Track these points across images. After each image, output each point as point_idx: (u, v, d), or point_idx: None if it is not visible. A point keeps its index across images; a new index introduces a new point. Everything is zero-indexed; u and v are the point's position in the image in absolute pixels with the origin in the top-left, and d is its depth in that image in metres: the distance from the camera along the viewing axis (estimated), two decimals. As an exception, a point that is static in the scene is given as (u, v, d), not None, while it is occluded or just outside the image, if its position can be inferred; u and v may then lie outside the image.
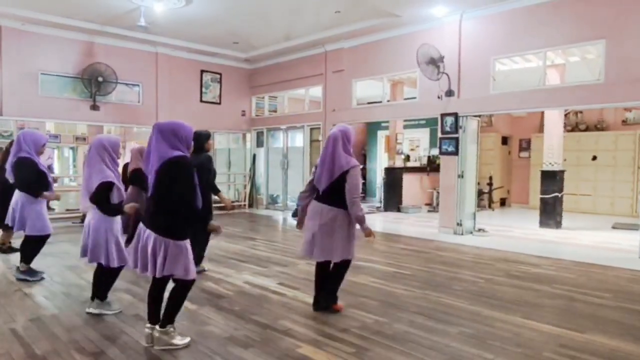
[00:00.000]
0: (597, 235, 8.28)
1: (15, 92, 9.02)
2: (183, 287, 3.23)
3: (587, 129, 11.91)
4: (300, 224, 4.18)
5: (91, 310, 3.96)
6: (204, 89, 11.82)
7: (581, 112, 11.85)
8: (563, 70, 8.84)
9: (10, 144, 5.95)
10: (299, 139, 11.95)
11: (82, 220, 8.73)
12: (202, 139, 5.19)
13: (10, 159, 4.91)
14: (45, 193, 4.99)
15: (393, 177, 11.98)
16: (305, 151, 11.51)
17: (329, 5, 8.17)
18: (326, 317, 3.96)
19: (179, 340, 3.29)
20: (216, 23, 9.24)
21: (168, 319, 3.26)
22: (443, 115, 8.38)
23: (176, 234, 3.09)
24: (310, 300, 4.34)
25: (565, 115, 10.96)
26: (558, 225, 8.95)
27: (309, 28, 9.62)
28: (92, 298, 4.02)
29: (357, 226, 3.89)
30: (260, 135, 12.76)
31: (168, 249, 3.05)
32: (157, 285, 3.27)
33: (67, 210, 10.28)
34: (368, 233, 3.85)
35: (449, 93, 8.23)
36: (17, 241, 6.11)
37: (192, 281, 3.23)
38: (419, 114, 9.44)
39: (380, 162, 14.45)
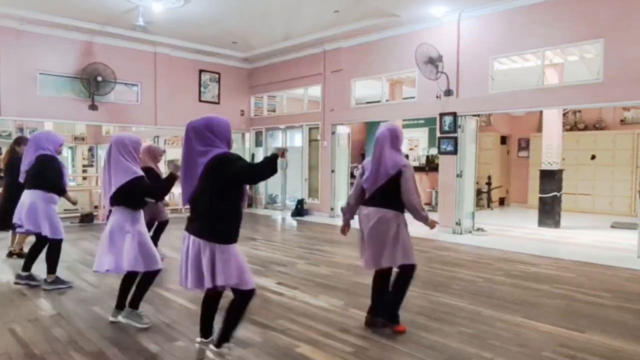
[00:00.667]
0: (596, 234, 8.29)
1: (13, 92, 9.00)
2: (242, 299, 2.86)
3: (585, 129, 11.92)
4: (346, 226, 3.84)
5: (119, 319, 3.68)
6: (202, 89, 11.82)
7: (580, 111, 11.86)
8: (562, 69, 8.84)
9: (15, 143, 5.80)
10: (297, 139, 11.95)
11: (81, 221, 8.81)
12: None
13: (29, 159, 4.64)
14: (69, 194, 4.82)
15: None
16: (304, 151, 11.50)
17: (328, 4, 8.17)
18: (325, 316, 3.96)
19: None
20: (215, 23, 9.23)
21: (224, 337, 2.91)
22: (442, 115, 8.38)
23: (223, 237, 2.75)
24: (310, 299, 4.35)
25: (564, 114, 10.97)
26: (557, 224, 8.96)
27: (307, 28, 9.62)
28: (119, 307, 3.72)
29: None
30: (259, 134, 12.75)
31: (215, 254, 2.71)
32: (210, 297, 2.98)
33: (65, 210, 10.27)
34: (432, 224, 3.58)
35: (448, 93, 8.23)
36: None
37: (251, 291, 2.86)
38: (417, 113, 9.43)
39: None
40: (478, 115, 8.65)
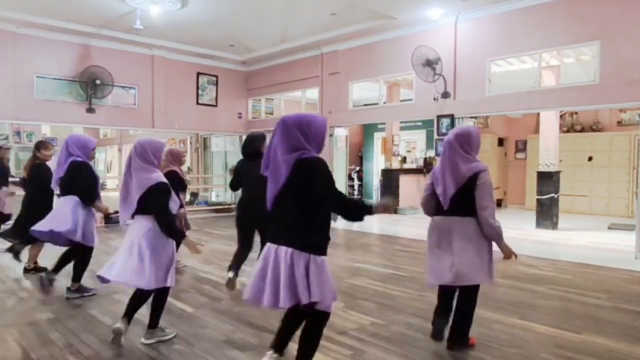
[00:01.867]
0: (594, 235, 8.30)
1: (10, 95, 8.99)
2: (319, 321, 2.58)
3: (582, 130, 11.96)
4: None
5: (147, 341, 3.42)
6: (200, 92, 11.81)
7: (577, 113, 11.89)
8: (558, 71, 8.87)
9: (36, 148, 5.41)
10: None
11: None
12: (257, 142, 4.74)
13: (62, 165, 4.50)
14: (99, 203, 4.65)
15: (390, 179, 11.99)
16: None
17: (325, 7, 8.19)
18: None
19: None
20: (212, 25, 9.24)
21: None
22: (439, 117, 8.40)
23: (317, 247, 2.46)
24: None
25: (561, 116, 11.00)
26: (554, 226, 8.97)
27: (304, 30, 9.63)
28: (151, 326, 3.48)
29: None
30: (257, 137, 12.73)
31: (309, 267, 2.40)
32: (295, 312, 2.62)
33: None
34: (508, 253, 3.17)
35: (445, 95, 8.26)
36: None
37: (328, 315, 2.57)
38: (415, 115, 9.46)
39: (376, 163, 14.46)
40: (475, 117, 8.68)
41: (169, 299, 4.53)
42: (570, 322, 3.89)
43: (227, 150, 13.14)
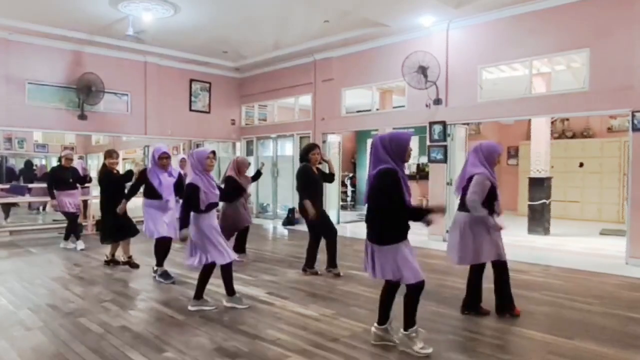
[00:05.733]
0: (585, 241, 8.35)
1: (2, 101, 8.93)
2: (412, 290, 3.36)
3: (573, 136, 12.06)
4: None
5: (225, 304, 4.46)
6: (193, 98, 11.80)
7: (568, 119, 11.99)
8: (549, 78, 8.95)
9: (104, 157, 6.30)
10: (288, 148, 11.95)
11: (68, 235, 8.62)
12: (303, 151, 5.84)
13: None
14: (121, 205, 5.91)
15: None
16: (295, 160, 11.48)
17: (318, 14, 8.23)
18: (316, 326, 3.94)
19: (419, 348, 3.32)
20: (205, 32, 9.25)
21: (409, 322, 3.39)
22: (431, 124, 8.44)
23: (381, 240, 3.33)
24: (300, 308, 4.35)
25: (552, 122, 11.08)
26: (546, 231, 9.02)
27: (297, 37, 9.67)
28: (198, 297, 4.41)
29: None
30: (250, 144, 12.74)
31: (375, 254, 3.36)
32: (385, 289, 3.54)
33: (54, 220, 10.15)
34: (496, 227, 4.04)
35: (437, 102, 8.29)
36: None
37: (418, 283, 3.32)
38: (407, 122, 9.48)
39: (369, 170, 14.45)
40: (467, 124, 8.72)
41: (158, 306, 4.53)
42: (562, 328, 3.90)
43: (220, 157, 13.09)
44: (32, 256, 7.08)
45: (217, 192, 4.36)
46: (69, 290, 5.07)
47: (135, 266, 6.17)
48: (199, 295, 4.40)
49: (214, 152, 4.36)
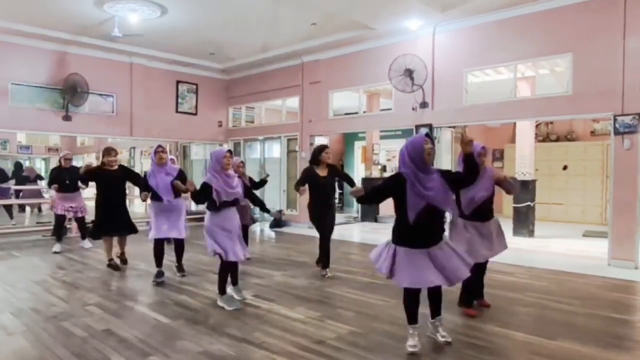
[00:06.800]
0: (569, 243, 8.47)
1: (-17, 102, 8.80)
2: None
3: (557, 140, 12.23)
4: None
5: (235, 296, 4.77)
6: (180, 100, 11.73)
7: (552, 123, 12.17)
8: (533, 82, 9.07)
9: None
10: (276, 150, 11.94)
11: (52, 234, 8.58)
12: (314, 153, 5.90)
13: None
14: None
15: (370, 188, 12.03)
16: (283, 162, 11.49)
17: (305, 17, 8.24)
18: (302, 328, 3.94)
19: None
20: (192, 34, 9.20)
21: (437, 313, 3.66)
22: (418, 126, 8.50)
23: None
24: (287, 312, 4.35)
25: (537, 126, 11.24)
26: (531, 233, 9.12)
27: (285, 40, 9.67)
28: (223, 292, 4.65)
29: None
30: (237, 146, 12.69)
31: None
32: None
33: (38, 223, 10.03)
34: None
35: (423, 105, 8.36)
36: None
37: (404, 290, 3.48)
38: (394, 125, 9.54)
39: (357, 172, 14.52)
40: (453, 127, 8.80)
41: (143, 309, 4.49)
42: (545, 329, 3.95)
43: (207, 159, 13.03)
44: (14, 259, 6.98)
45: (236, 190, 4.54)
46: (52, 294, 5.00)
47: (124, 262, 6.36)
48: (221, 290, 4.64)
49: (230, 152, 4.60)
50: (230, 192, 4.48)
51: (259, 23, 8.64)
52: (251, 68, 11.70)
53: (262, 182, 6.96)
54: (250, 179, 6.54)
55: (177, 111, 11.66)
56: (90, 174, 6.17)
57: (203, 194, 4.44)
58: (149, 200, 5.66)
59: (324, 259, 5.93)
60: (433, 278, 3.35)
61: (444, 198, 3.35)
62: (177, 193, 5.58)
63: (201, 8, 7.82)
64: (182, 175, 5.62)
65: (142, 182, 5.77)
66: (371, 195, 3.68)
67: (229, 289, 4.78)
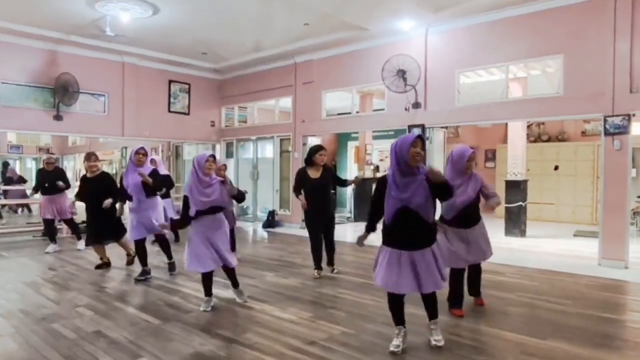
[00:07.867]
0: (560, 243, 8.52)
1: (-27, 101, 8.70)
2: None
3: (549, 140, 12.31)
4: None
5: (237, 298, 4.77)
6: (172, 99, 11.67)
7: (543, 123, 12.24)
8: (525, 83, 9.12)
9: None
10: (269, 150, 11.92)
11: (43, 235, 8.53)
12: (308, 153, 5.85)
13: None
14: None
15: (363, 188, 12.04)
16: (276, 162, 11.47)
17: (298, 17, 8.23)
18: (293, 329, 3.94)
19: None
20: (184, 33, 9.16)
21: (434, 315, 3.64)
22: (410, 127, 8.51)
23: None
24: (279, 313, 4.34)
25: (528, 126, 11.30)
26: (523, 233, 9.17)
27: (278, 40, 9.65)
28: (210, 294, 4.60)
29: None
30: (230, 146, 12.66)
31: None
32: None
33: (28, 223, 9.94)
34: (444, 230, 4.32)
35: (416, 105, 8.38)
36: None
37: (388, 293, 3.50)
38: (387, 125, 9.55)
39: (350, 172, 14.53)
40: (446, 127, 8.82)
41: (134, 311, 4.46)
42: (536, 329, 3.97)
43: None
44: (4, 260, 6.91)
45: (211, 199, 4.33)
46: (42, 295, 4.96)
47: (129, 263, 6.45)
48: (206, 293, 4.59)
49: (213, 156, 4.43)
50: (204, 202, 4.30)
51: (251, 23, 8.61)
52: (244, 68, 11.66)
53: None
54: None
55: (169, 111, 11.60)
56: (80, 193, 6.27)
57: (185, 207, 4.35)
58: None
59: (326, 259, 6.01)
60: (405, 284, 3.34)
61: (420, 202, 3.27)
62: (148, 192, 5.62)
63: (194, 7, 7.78)
64: (153, 173, 5.74)
65: (115, 193, 5.89)
66: (372, 210, 3.61)
67: (231, 292, 4.79)
